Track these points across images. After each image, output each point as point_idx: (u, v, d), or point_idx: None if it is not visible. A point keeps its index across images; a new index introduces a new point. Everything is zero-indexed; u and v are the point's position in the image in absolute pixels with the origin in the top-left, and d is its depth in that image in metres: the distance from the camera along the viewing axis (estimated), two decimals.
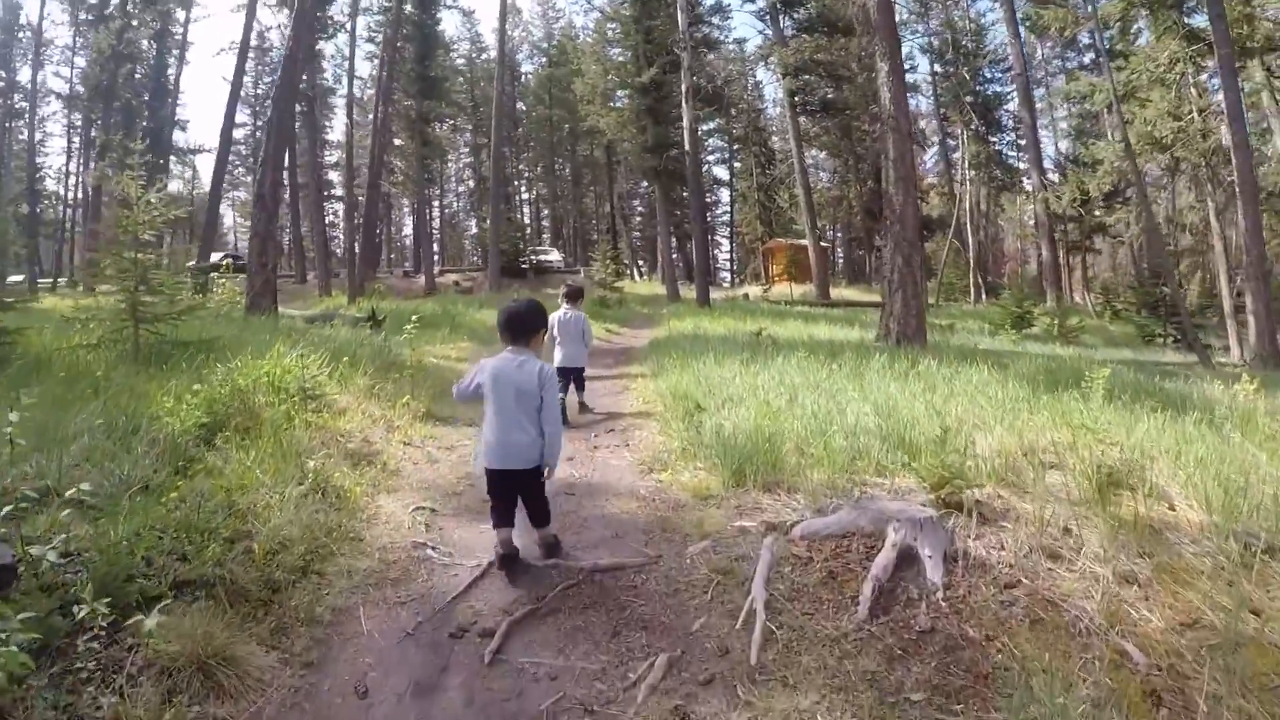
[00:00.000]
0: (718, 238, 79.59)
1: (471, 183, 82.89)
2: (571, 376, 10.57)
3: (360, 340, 13.36)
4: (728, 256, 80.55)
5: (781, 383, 10.10)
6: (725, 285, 63.50)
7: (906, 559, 4.85)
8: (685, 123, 32.31)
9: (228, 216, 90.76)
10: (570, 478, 7.21)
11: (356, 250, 38.17)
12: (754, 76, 70.63)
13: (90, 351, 9.93)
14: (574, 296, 11.21)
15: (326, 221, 65.63)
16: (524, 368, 5.09)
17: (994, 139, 51.70)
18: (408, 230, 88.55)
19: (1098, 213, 36.07)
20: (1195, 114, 26.11)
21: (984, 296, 45.95)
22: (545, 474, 5.23)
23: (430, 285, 44.72)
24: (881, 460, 6.74)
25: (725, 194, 77.05)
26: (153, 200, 10.92)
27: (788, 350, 14.15)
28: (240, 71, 33.78)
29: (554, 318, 10.40)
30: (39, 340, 10.47)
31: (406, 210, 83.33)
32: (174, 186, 62.10)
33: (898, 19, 20.29)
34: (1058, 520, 5.18)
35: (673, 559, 5.27)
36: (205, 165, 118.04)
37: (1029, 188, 54.66)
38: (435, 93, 48.40)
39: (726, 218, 77.60)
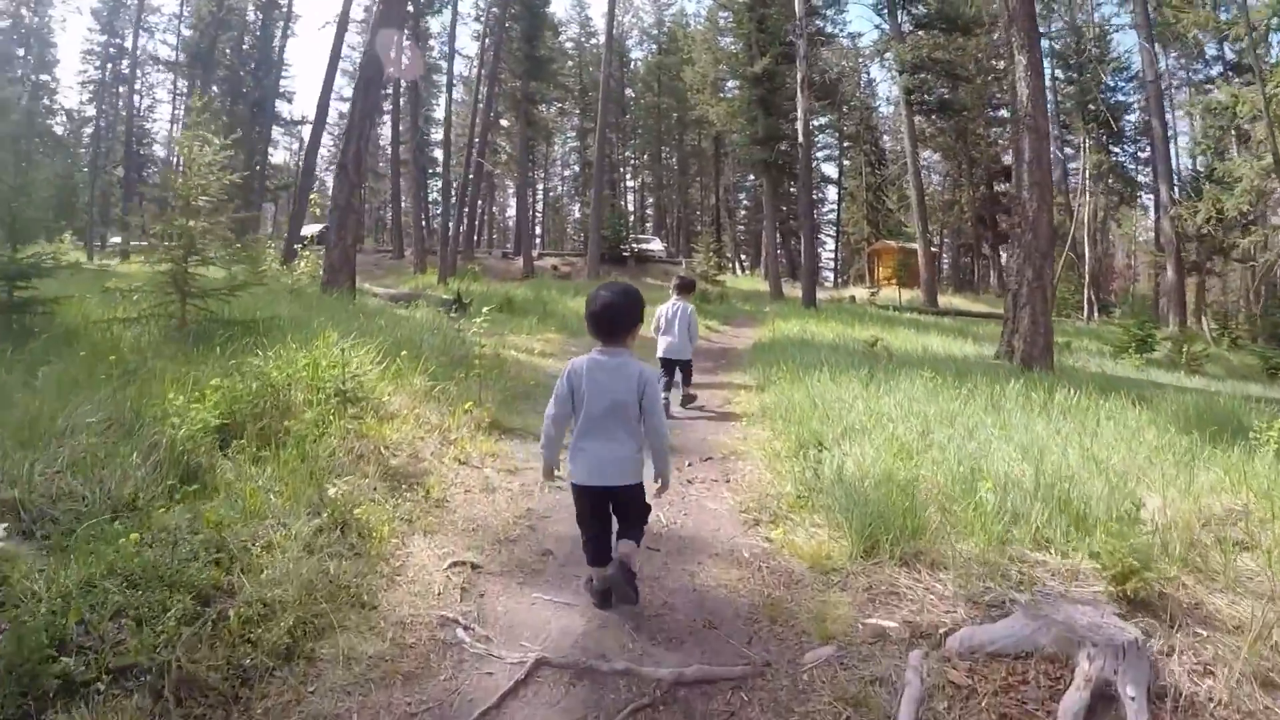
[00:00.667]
0: (822, 236, 77.28)
1: (577, 167, 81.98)
2: (678, 368, 10.31)
3: (434, 326, 12.15)
4: (832, 255, 78.56)
5: (910, 410, 8.60)
6: (829, 285, 61.54)
7: (1103, 699, 3.45)
8: (799, 114, 30.57)
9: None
10: (655, 523, 5.74)
11: (450, 229, 37.08)
12: (867, 73, 68.61)
13: (128, 327, 8.80)
14: (685, 289, 10.73)
15: (430, 199, 65.59)
16: (620, 371, 4.26)
17: (1116, 150, 49.16)
18: (511, 212, 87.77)
19: (1233, 233, 33.75)
20: None
21: (1096, 314, 43.47)
22: (657, 488, 4.53)
23: (528, 268, 43.65)
24: (1042, 528, 5.31)
25: (832, 192, 75.00)
26: (212, 161, 9.74)
27: (907, 367, 12.63)
28: (340, 41, 32.84)
29: (662, 309, 10.35)
30: (79, 310, 9.38)
31: (511, 192, 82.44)
32: (281, 158, 61.90)
33: None
34: (1268, 630, 3.82)
35: (784, 671, 3.80)
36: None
37: (1148, 203, 52.20)
38: (542, 74, 47.36)
39: (832, 216, 75.63)
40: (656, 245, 55.79)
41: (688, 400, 10.34)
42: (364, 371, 7.51)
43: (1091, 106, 46.06)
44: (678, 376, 10.38)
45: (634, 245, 50.32)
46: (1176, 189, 34.64)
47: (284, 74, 57.21)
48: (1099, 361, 20.33)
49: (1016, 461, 6.70)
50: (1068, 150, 54.59)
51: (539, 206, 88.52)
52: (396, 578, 4.59)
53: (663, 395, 8.80)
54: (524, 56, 46.10)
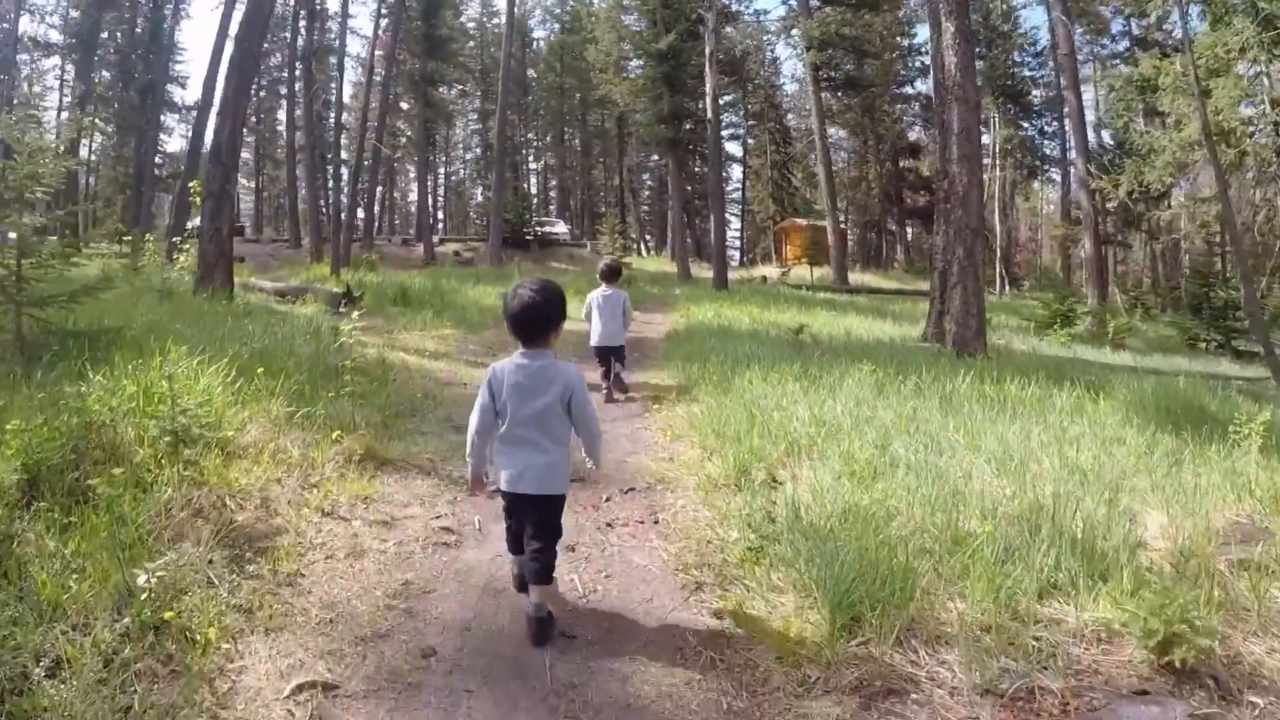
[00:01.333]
0: (728, 215, 76.51)
1: (479, 150, 79.91)
2: (612, 355, 10.02)
3: (311, 328, 10.68)
4: (737, 235, 77.64)
5: (860, 415, 7.47)
6: (735, 264, 60.47)
7: None
8: (707, 89, 29.43)
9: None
10: (570, 589, 4.51)
11: (345, 216, 34.96)
12: (771, 51, 67.80)
13: None
14: (613, 274, 10.56)
15: (329, 186, 63.50)
16: (544, 374, 4.00)
17: (1024, 124, 49.05)
18: (414, 197, 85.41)
19: (1151, 206, 33.48)
20: (1269, 105, 23.30)
21: (1007, 288, 43.22)
22: (589, 467, 4.49)
23: (429, 255, 41.94)
24: (1050, 572, 4.26)
25: (737, 171, 73.97)
26: (43, 148, 8.18)
27: (840, 357, 11.59)
28: (228, 19, 30.61)
29: (592, 296, 10.41)
30: None
31: (412, 177, 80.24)
32: (176, 145, 58.75)
33: None
34: None
35: None
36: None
37: (1054, 176, 52.25)
38: (441, 53, 45.71)
39: (737, 195, 74.77)
40: (561, 228, 54.31)
41: (622, 389, 10.00)
42: (211, 397, 6.11)
43: (1001, 81, 45.81)
44: (615, 367, 10.00)
45: (537, 228, 48.79)
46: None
47: (177, 57, 54.69)
48: (1024, 339, 19.53)
49: (994, 477, 5.80)
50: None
51: (441, 191, 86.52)
52: (221, 712, 3.23)
53: (602, 385, 9.64)
54: (422, 35, 44.33)
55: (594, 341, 10.12)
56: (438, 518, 5.41)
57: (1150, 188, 26.34)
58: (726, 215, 74.20)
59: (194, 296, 13.86)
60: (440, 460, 6.64)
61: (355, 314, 10.81)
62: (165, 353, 6.64)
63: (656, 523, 5.53)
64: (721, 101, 45.11)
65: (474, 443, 4.13)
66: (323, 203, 40.08)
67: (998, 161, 43.74)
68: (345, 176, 37.07)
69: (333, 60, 56.99)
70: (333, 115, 42.76)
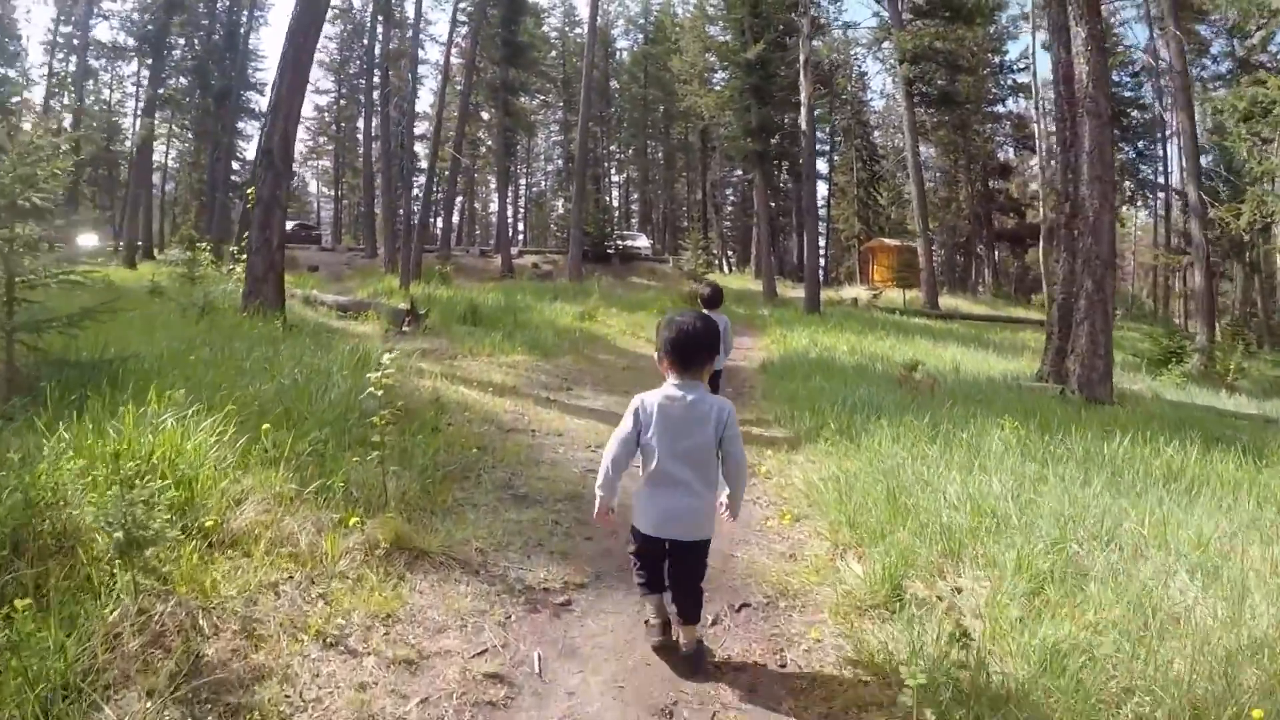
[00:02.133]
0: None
1: (560, 161, 78.80)
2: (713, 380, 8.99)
3: (359, 355, 9.31)
4: (821, 252, 75.74)
5: (1024, 499, 5.86)
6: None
7: None
8: (802, 99, 27.64)
9: (311, 185, 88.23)
10: None
11: (416, 225, 33.48)
12: (859, 66, 65.81)
13: None
14: (715, 301, 9.78)
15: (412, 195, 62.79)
16: (696, 408, 3.72)
17: (1123, 146, 46.63)
18: (494, 208, 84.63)
19: (1264, 239, 31.23)
20: None
21: None
22: (726, 514, 3.91)
23: (506, 266, 40.68)
24: None
25: (821, 187, 71.97)
26: (38, 144, 6.82)
27: (964, 402, 10.05)
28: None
29: None
30: None
31: (494, 187, 79.48)
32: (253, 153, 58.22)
33: None
34: None
35: None
36: (300, 135, 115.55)
37: (1150, 201, 49.85)
38: (521, 61, 44.38)
39: (822, 211, 72.75)
40: (643, 242, 52.75)
41: None
42: (200, 463, 4.68)
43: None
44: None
45: (618, 242, 47.33)
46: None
47: (255, 63, 54.43)
48: (1137, 378, 17.70)
49: (1199, 592, 4.38)
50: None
51: (521, 202, 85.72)
52: None
53: None
54: (502, 43, 43.02)
55: None
56: (482, 653, 3.79)
57: (1273, 217, 24.28)
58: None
59: (238, 314, 12.58)
60: (493, 550, 5.02)
61: (420, 333, 9.56)
62: (152, 398, 5.23)
63: (784, 667, 3.93)
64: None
65: (608, 474, 3.81)
66: (401, 212, 38.81)
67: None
68: (420, 185, 35.98)
69: (420, 70, 56.81)
70: (405, 123, 41.98)
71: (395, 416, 5.70)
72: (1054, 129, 43.10)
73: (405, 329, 14.92)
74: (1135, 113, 47.97)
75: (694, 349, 3.78)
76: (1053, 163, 31.11)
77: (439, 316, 16.28)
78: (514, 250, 47.84)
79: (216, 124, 47.44)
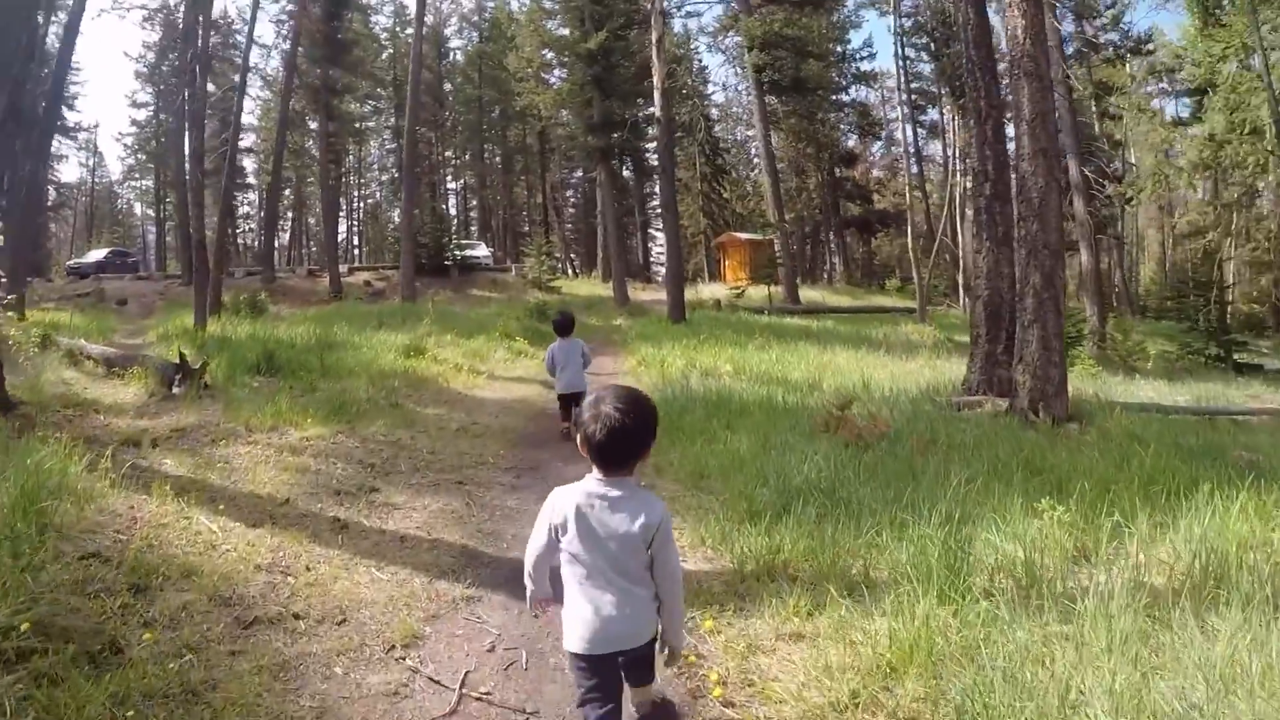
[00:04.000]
0: (651, 230, 71.92)
1: (395, 171, 73.54)
2: (575, 401, 8.73)
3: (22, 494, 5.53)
4: (661, 250, 72.91)
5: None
6: (659, 281, 55.85)
7: None
8: (655, 81, 23.95)
9: (137, 207, 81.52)
10: None
11: (210, 249, 27.84)
12: (699, 59, 63.35)
13: None
14: (565, 327, 10.14)
15: (240, 214, 57.71)
16: (624, 506, 3.01)
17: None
18: (343, 225, 79.27)
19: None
20: None
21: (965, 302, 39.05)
22: (664, 658, 3.30)
23: (335, 287, 36.26)
24: None
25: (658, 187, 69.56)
26: None
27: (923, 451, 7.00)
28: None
29: (553, 348, 10.21)
30: None
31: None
32: (72, 173, 52.51)
33: None
34: None
35: None
36: (111, 150, 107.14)
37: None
38: (345, 59, 39.91)
39: (658, 210, 70.24)
40: (482, 251, 48.34)
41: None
42: None
43: (955, 79, 41.83)
44: (576, 413, 6.85)
45: (456, 253, 42.90)
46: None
47: (69, 75, 48.79)
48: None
49: None
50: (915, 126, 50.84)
51: (358, 215, 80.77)
52: None
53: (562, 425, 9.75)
54: (324, 40, 38.56)
55: (559, 390, 10.03)
56: None
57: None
58: (651, 230, 69.84)
59: None
60: None
61: (191, 395, 7.12)
62: None
63: None
64: (643, 114, 40.68)
65: (535, 570, 3.29)
66: (211, 234, 33.84)
67: (957, 168, 39.70)
68: (250, 203, 31.40)
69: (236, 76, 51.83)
70: (245, 139, 37.34)
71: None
72: (902, 114, 42.16)
73: (175, 390, 11.10)
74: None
75: (619, 448, 3.00)
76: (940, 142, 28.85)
77: (224, 367, 12.45)
78: (344, 268, 43.40)
79: (19, 139, 41.90)
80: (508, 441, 9.13)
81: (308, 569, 5.30)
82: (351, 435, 8.90)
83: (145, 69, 60.44)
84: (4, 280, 18.96)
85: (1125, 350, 20.38)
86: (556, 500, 3.12)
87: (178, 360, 11.69)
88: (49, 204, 60.37)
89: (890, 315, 31.26)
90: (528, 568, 3.32)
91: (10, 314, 15.88)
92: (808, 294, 39.43)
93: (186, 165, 30.12)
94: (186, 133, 28.58)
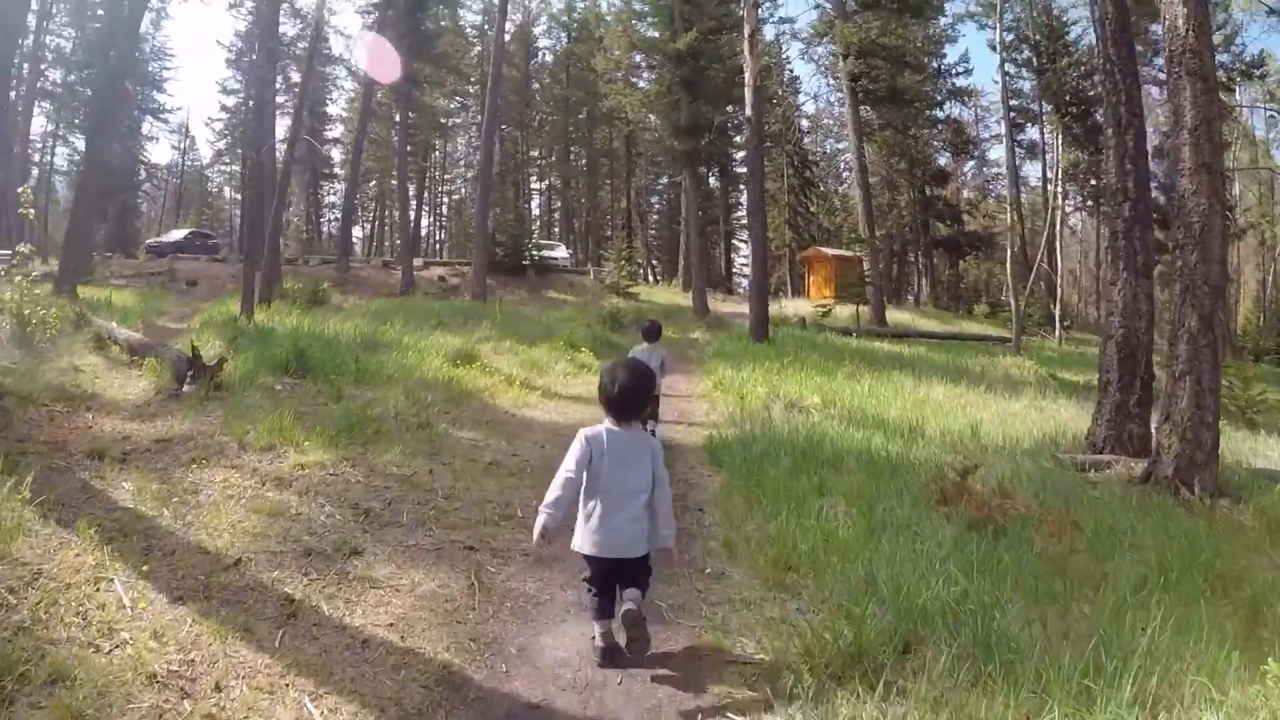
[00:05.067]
0: (736, 242, 69.89)
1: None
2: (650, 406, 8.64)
3: None
4: (745, 261, 70.78)
5: None
6: (741, 292, 53.83)
7: None
8: (746, 78, 21.86)
9: (226, 191, 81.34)
10: None
11: (269, 232, 26.35)
12: (790, 69, 61.34)
13: None
14: (654, 334, 10.45)
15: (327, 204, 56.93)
16: (634, 444, 4.28)
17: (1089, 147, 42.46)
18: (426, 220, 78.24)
19: None
20: None
21: (1058, 333, 36.38)
22: (662, 554, 4.38)
23: (407, 280, 34.93)
24: None
25: (743, 196, 67.62)
26: None
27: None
28: None
29: (636, 351, 10.11)
30: None
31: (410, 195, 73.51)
32: (164, 155, 52.62)
33: None
34: None
35: None
36: (203, 134, 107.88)
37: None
38: (427, 51, 38.57)
39: (743, 220, 68.38)
40: (561, 253, 47.04)
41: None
42: None
43: (1063, 96, 39.37)
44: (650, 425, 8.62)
45: (535, 253, 41.57)
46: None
47: (158, 58, 48.85)
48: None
49: None
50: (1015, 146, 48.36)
51: (443, 210, 79.88)
52: None
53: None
54: (407, 29, 37.20)
55: None
56: None
57: None
58: (735, 243, 67.84)
59: None
60: None
61: (201, 394, 8.38)
62: None
63: None
64: (732, 123, 38.80)
65: (560, 497, 4.13)
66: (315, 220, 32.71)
67: (1059, 189, 37.17)
68: (338, 193, 30.24)
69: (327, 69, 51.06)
70: (332, 130, 36.30)
71: None
72: (1006, 128, 39.74)
73: (186, 388, 9.60)
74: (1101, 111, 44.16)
75: (633, 403, 4.28)
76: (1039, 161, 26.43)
77: (249, 364, 10.89)
78: (420, 262, 42.15)
79: (104, 117, 41.42)
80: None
81: (217, 688, 3.62)
82: (358, 464, 7.21)
83: (234, 55, 60.46)
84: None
85: (1244, 401, 17.95)
86: (588, 438, 4.18)
87: (188, 357, 10.19)
88: (137, 182, 60.51)
89: (984, 344, 29.07)
90: (550, 499, 4.11)
91: (40, 292, 14.43)
92: (894, 315, 37.26)
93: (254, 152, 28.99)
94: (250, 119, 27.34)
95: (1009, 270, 30.36)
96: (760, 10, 39.38)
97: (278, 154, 30.11)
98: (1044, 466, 8.85)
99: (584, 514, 4.19)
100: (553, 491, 4.11)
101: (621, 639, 4.09)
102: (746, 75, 21.60)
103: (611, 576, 4.19)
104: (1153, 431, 9.73)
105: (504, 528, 6.15)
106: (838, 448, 8.73)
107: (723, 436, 9.48)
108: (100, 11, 42.92)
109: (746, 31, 21.87)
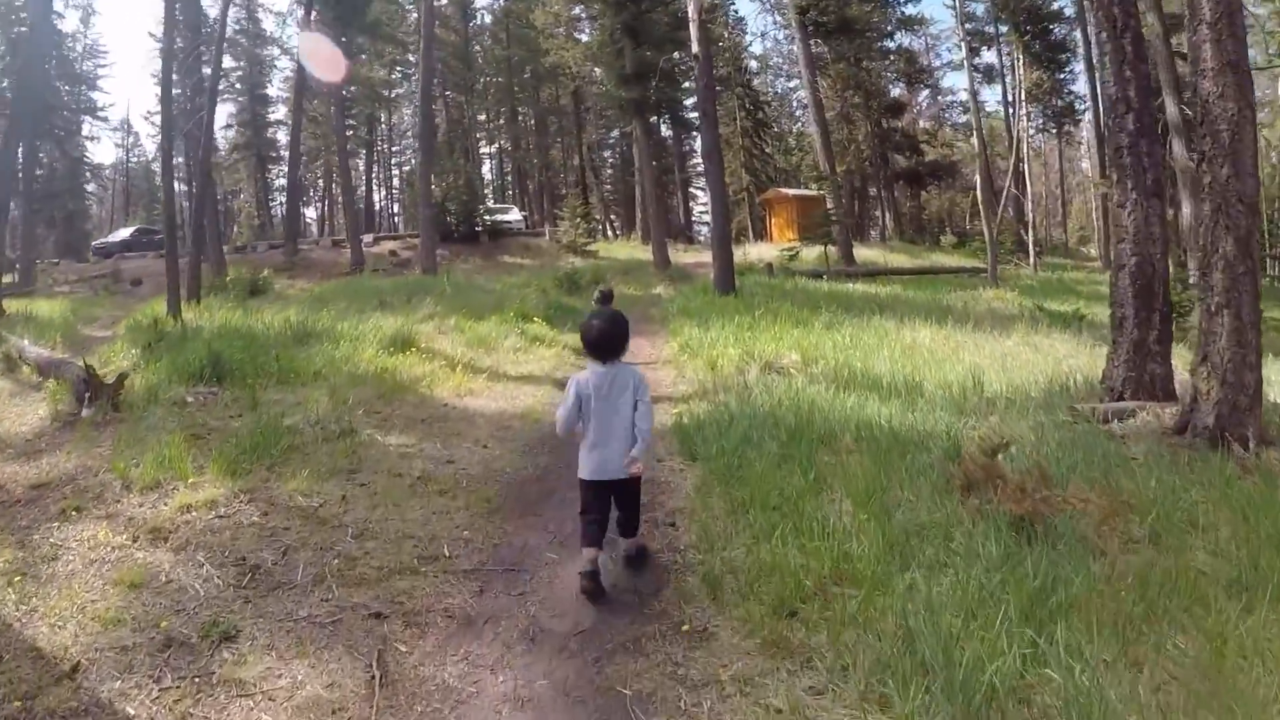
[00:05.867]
0: (693, 189, 68.31)
1: (435, 136, 69.87)
2: None
3: None
4: (705, 210, 69.14)
5: None
6: (701, 241, 52.36)
7: None
8: (690, 11, 20.28)
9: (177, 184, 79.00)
10: None
11: (207, 223, 24.89)
12: (734, 10, 59.61)
13: None
14: (607, 299, 10.55)
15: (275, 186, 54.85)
16: (618, 379, 4.80)
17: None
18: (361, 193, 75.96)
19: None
20: None
21: (1031, 260, 35.13)
22: (637, 466, 4.79)
23: (357, 258, 33.28)
24: None
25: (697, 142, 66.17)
26: None
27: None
28: None
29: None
30: None
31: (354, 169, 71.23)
32: (109, 154, 50.57)
33: None
34: None
35: None
36: (145, 128, 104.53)
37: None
38: (358, 20, 36.13)
39: (698, 167, 66.94)
40: (514, 216, 45.23)
41: None
42: None
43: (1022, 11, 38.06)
44: None
45: (486, 218, 39.94)
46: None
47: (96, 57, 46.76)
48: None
49: None
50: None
51: (394, 183, 77.75)
52: None
53: None
54: (334, 1, 35.09)
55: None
56: None
57: None
58: (693, 190, 66.24)
59: None
60: None
61: (96, 418, 7.45)
62: None
63: None
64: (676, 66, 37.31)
65: (566, 422, 4.75)
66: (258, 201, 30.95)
67: (1024, 111, 35.84)
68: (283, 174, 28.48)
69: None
70: (275, 112, 34.36)
71: None
72: (954, 56, 38.32)
73: (85, 411, 8.25)
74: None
75: (609, 344, 4.82)
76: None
77: (160, 374, 9.53)
78: (370, 238, 40.51)
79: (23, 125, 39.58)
80: (485, 504, 6.04)
81: None
82: (257, 497, 5.86)
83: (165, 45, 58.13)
84: None
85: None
86: (577, 380, 4.82)
87: (84, 375, 8.81)
88: (80, 185, 58.49)
89: (958, 277, 27.87)
90: (563, 421, 4.78)
91: None
92: (862, 253, 35.90)
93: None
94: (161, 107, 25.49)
95: (980, 198, 28.99)
96: None
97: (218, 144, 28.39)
98: (1062, 421, 7.62)
99: (583, 445, 4.81)
100: (561, 423, 4.78)
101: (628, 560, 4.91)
102: (690, 9, 19.92)
103: (603, 499, 4.73)
104: (1174, 371, 8.59)
105: (425, 577, 4.79)
106: (829, 420, 7.40)
107: (694, 416, 8.13)
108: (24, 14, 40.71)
109: None
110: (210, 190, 30.32)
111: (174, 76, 22.45)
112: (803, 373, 10.16)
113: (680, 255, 35.98)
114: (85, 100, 56.91)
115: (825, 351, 11.39)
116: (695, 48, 20.07)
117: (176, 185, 72.43)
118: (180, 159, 64.45)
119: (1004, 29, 42.01)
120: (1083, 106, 44.59)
